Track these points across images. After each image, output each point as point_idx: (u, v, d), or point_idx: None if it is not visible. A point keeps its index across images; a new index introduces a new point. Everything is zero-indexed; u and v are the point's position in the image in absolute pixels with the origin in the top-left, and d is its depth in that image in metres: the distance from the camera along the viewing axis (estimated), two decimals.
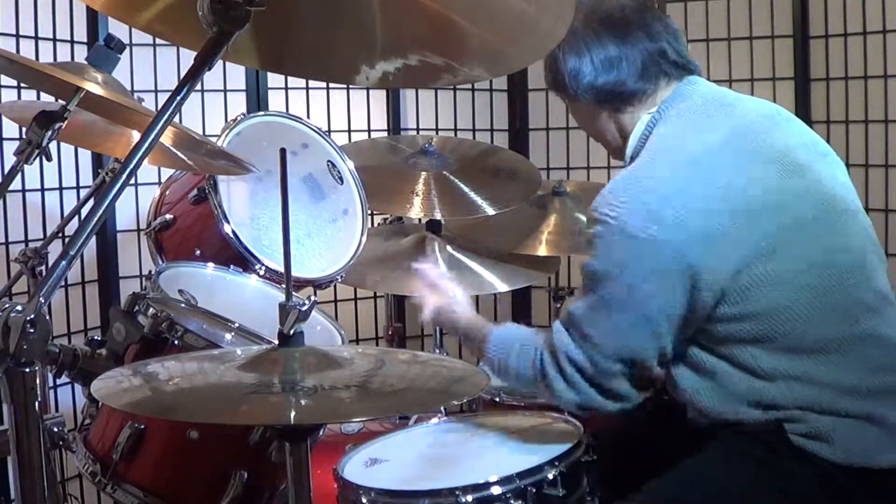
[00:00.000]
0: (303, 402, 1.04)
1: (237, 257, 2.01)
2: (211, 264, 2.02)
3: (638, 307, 1.54)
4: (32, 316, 0.91)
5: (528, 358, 1.68)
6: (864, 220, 1.63)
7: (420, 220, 2.78)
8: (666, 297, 1.51)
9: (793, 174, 1.54)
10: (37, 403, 0.97)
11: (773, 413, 1.53)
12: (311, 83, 3.15)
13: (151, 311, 1.61)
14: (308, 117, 2.84)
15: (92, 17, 2.72)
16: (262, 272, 2.02)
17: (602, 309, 1.57)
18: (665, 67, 1.66)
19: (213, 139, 2.06)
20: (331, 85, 3.13)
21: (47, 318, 0.94)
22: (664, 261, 1.49)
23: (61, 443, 1.65)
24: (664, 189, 1.52)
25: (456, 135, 3.39)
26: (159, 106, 1.13)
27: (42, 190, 2.66)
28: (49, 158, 1.57)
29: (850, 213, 1.59)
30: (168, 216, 2.13)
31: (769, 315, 1.50)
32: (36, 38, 2.59)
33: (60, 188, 2.71)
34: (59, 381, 2.61)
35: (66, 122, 1.54)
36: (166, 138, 1.73)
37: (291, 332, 1.13)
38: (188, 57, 1.07)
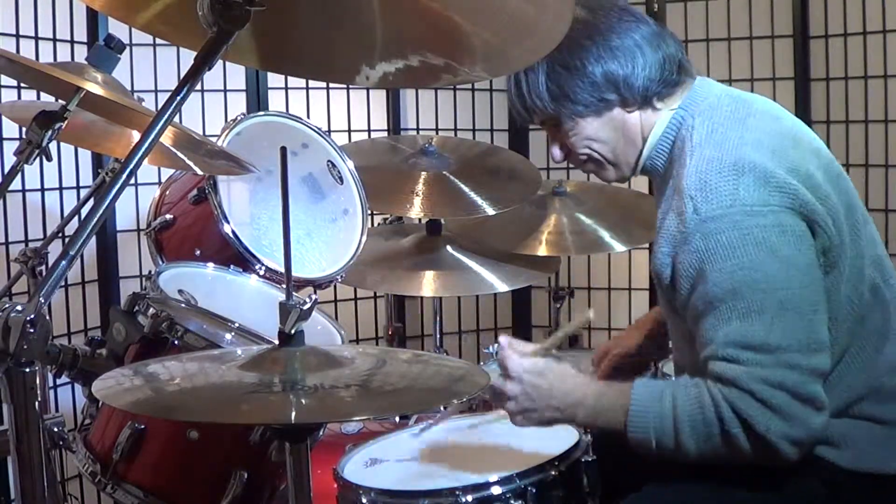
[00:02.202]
0: (303, 401, 1.04)
1: (237, 257, 2.01)
2: (211, 264, 2.02)
3: (801, 280, 1.40)
4: (32, 316, 0.92)
5: (695, 405, 1.43)
6: (874, 227, 1.62)
7: (420, 220, 2.79)
8: (812, 261, 1.42)
9: (834, 176, 1.52)
10: (37, 403, 0.97)
11: None
12: (311, 83, 3.15)
13: (151, 311, 1.61)
14: (308, 117, 2.84)
15: (92, 17, 2.72)
16: (262, 272, 2.02)
17: (770, 304, 1.40)
18: (684, 61, 1.63)
19: (213, 139, 2.06)
20: (331, 85, 3.13)
21: (47, 318, 0.94)
22: (794, 224, 1.41)
23: (61, 443, 1.65)
24: (757, 162, 1.43)
25: (456, 135, 3.39)
26: (159, 106, 1.13)
27: (42, 190, 2.66)
28: (49, 158, 1.57)
29: (868, 220, 1.58)
30: (168, 216, 2.13)
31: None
32: (36, 38, 2.59)
33: (60, 188, 2.71)
34: (59, 381, 2.61)
35: (66, 122, 1.54)
36: (166, 138, 1.73)
37: (292, 331, 1.13)
38: (188, 57, 1.07)
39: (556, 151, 1.71)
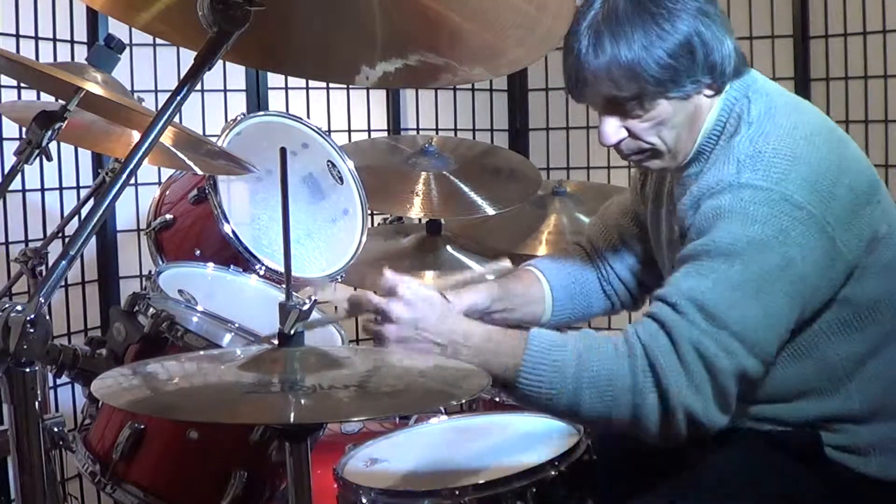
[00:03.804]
0: (303, 401, 1.04)
1: (237, 257, 2.01)
2: (211, 264, 2.03)
3: (788, 287, 1.35)
4: (32, 316, 0.92)
5: (608, 354, 1.36)
6: None
7: (420, 220, 2.79)
8: (809, 281, 1.37)
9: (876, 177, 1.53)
10: (37, 403, 0.97)
11: (813, 428, 1.50)
12: (311, 83, 3.15)
13: (151, 311, 1.61)
14: (308, 117, 2.84)
15: (92, 17, 2.72)
16: (262, 272, 2.03)
17: (748, 286, 1.34)
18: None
19: (213, 139, 2.06)
20: (331, 85, 3.13)
21: (47, 318, 0.94)
22: (816, 236, 1.37)
23: (61, 443, 1.64)
24: (812, 159, 1.40)
25: (456, 135, 3.39)
26: (159, 106, 1.13)
27: (42, 190, 2.66)
28: (49, 158, 1.57)
29: None
30: (168, 216, 2.13)
31: (869, 304, 1.46)
32: (36, 38, 2.59)
33: (60, 188, 2.71)
34: (59, 381, 2.61)
35: (66, 122, 1.54)
36: (166, 138, 1.73)
37: (291, 331, 1.13)
38: (188, 57, 1.07)
39: (613, 132, 1.51)
